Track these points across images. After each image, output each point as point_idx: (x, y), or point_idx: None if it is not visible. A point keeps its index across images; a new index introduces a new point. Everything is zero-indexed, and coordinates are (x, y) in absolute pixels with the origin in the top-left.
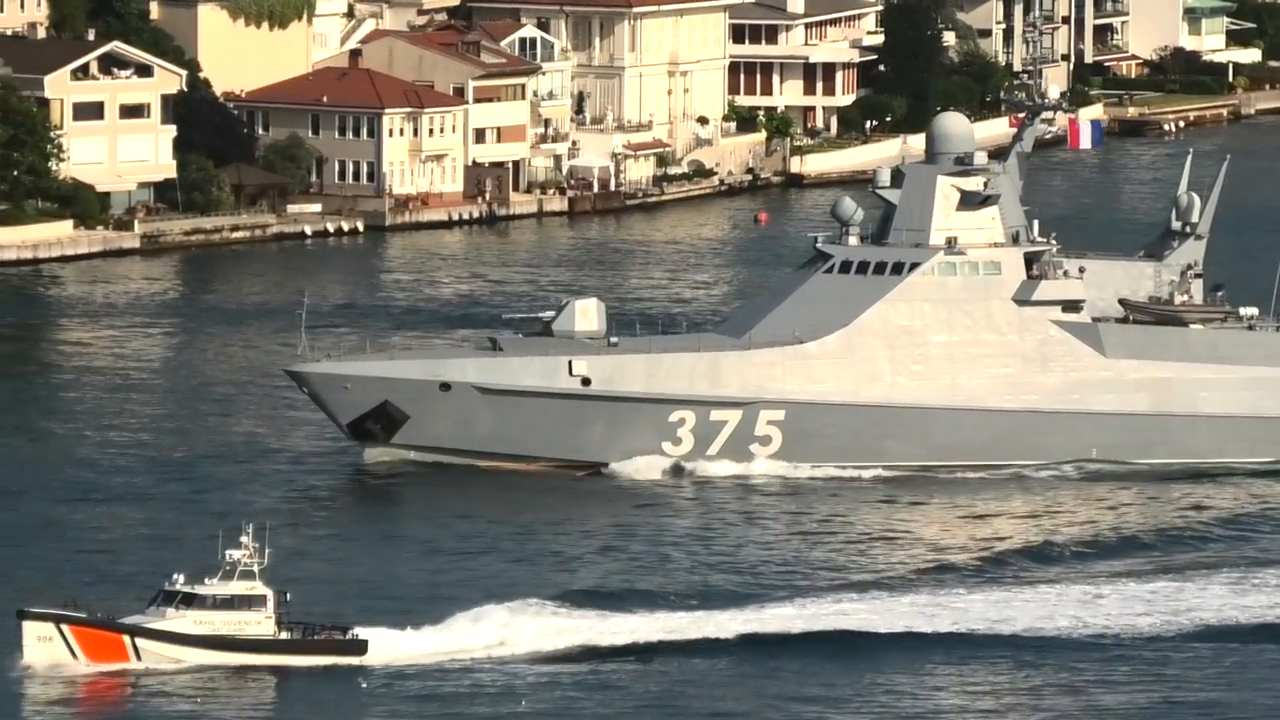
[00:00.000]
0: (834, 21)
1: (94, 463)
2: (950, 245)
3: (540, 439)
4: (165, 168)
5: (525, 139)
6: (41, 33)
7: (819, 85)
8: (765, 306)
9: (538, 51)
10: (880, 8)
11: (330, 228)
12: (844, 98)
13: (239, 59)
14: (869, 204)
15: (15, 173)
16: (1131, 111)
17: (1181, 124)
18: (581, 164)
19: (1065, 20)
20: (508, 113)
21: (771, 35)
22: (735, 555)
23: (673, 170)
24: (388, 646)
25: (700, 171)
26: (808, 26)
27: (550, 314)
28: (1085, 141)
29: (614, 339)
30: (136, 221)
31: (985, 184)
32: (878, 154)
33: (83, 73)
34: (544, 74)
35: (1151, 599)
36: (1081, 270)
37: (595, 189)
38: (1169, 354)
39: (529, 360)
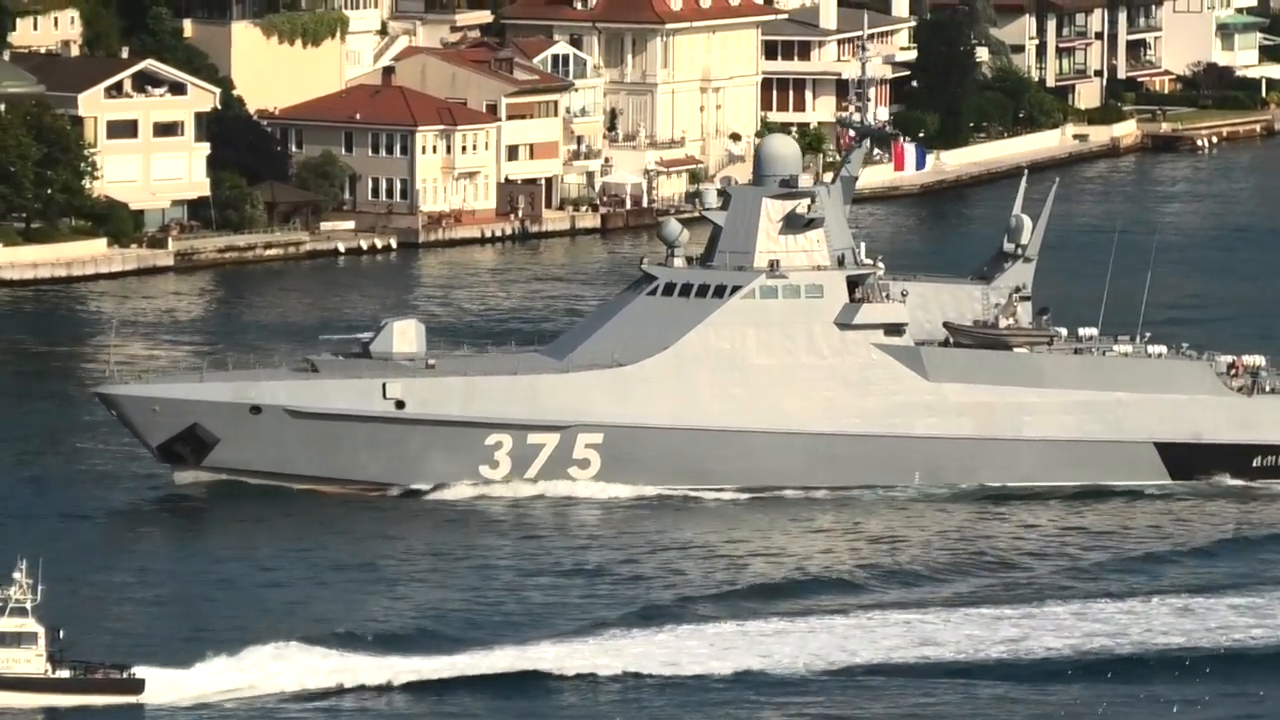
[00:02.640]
0: (867, 37)
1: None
2: (773, 268)
3: (353, 463)
4: (199, 185)
5: (558, 156)
6: (75, 51)
7: (852, 101)
8: (589, 328)
9: (570, 68)
10: (914, 24)
11: (363, 245)
12: (877, 113)
13: (272, 76)
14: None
15: (49, 191)
16: (1165, 127)
17: (1215, 139)
18: (614, 180)
19: (1098, 36)
20: (540, 129)
21: (804, 51)
22: (524, 589)
23: (705, 186)
24: (166, 685)
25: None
26: (840, 42)
27: (369, 335)
28: (910, 165)
29: (431, 361)
30: (170, 239)
31: (809, 207)
32: (910, 169)
33: (116, 91)
34: (576, 91)
35: (951, 625)
36: (904, 293)
37: (628, 205)
38: (992, 377)
39: (342, 383)
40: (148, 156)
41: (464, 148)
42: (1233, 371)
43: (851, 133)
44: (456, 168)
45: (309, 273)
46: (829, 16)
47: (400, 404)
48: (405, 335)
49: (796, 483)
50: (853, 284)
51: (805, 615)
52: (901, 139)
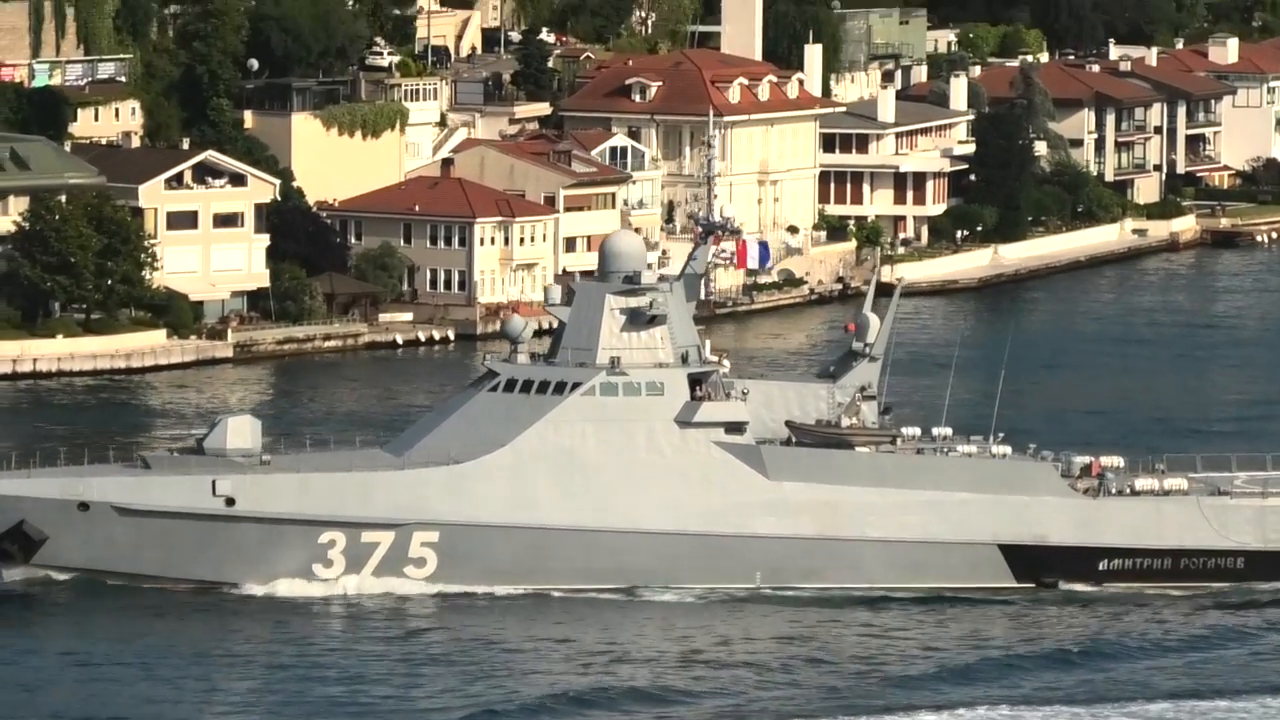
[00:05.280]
0: (925, 131)
1: None
2: (614, 365)
3: (183, 561)
4: (258, 276)
5: None
6: (136, 142)
7: (909, 194)
8: (429, 425)
9: (628, 160)
10: (971, 117)
11: (422, 336)
12: (935, 207)
13: (332, 168)
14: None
15: (109, 282)
16: (1224, 222)
17: (1274, 235)
18: (671, 273)
19: (1158, 130)
20: (598, 221)
21: (862, 144)
22: (358, 689)
23: (763, 279)
24: None
25: (790, 280)
26: (898, 136)
27: (202, 431)
28: (753, 262)
29: (266, 457)
30: (229, 330)
31: (651, 304)
32: (969, 263)
33: (177, 182)
34: (634, 183)
35: None
36: (745, 392)
37: None
38: (833, 477)
39: (171, 479)
40: (207, 247)
41: (522, 239)
42: (1078, 474)
43: (699, 228)
44: (515, 259)
45: (367, 364)
46: (887, 110)
47: (230, 501)
48: (240, 431)
49: (636, 582)
50: (695, 382)
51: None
52: (743, 236)
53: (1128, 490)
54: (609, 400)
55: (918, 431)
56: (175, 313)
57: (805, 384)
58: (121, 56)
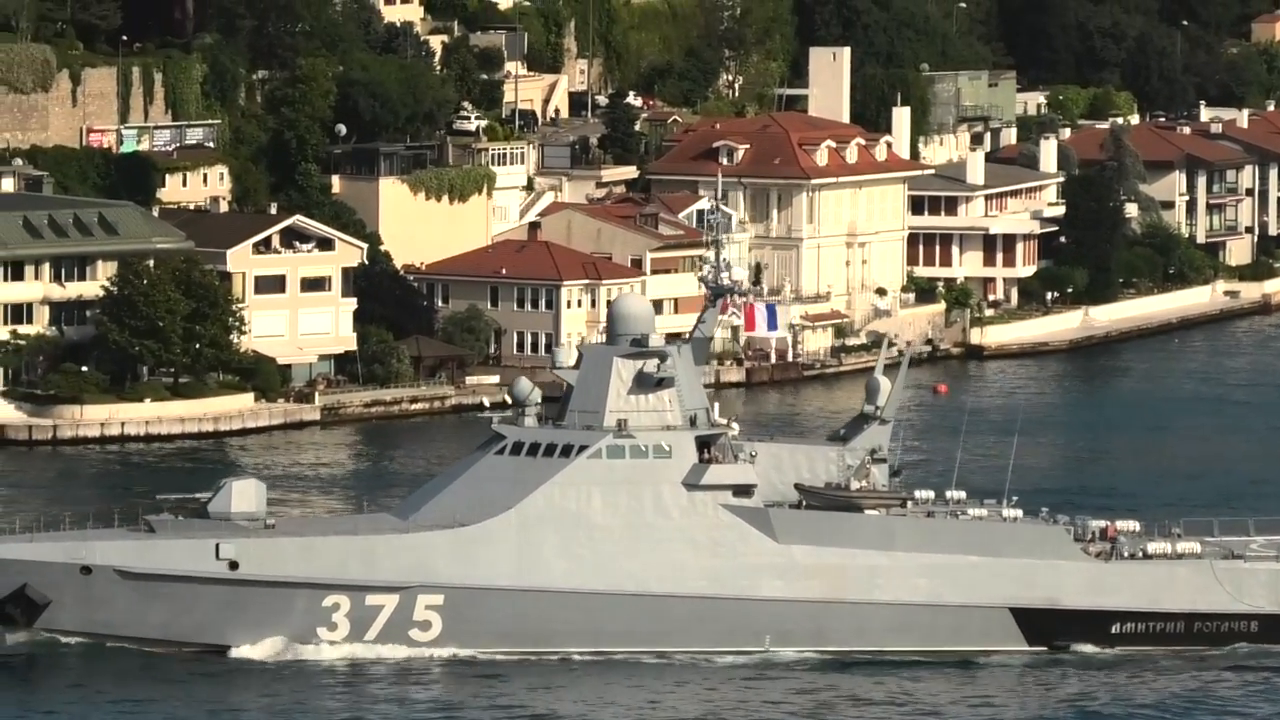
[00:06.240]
0: (1014, 193)
1: None
2: (620, 427)
3: (187, 625)
4: (345, 340)
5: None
6: (224, 206)
7: (999, 256)
8: (435, 489)
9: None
10: (1061, 179)
11: (509, 399)
12: (1024, 269)
13: (419, 232)
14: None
15: (197, 345)
16: None
17: None
18: (759, 335)
19: (1249, 192)
20: (685, 284)
21: (951, 207)
22: None
23: (851, 341)
24: None
25: (878, 342)
26: (988, 198)
27: (207, 495)
28: (761, 326)
29: (271, 521)
30: (317, 394)
31: (658, 366)
32: (1059, 325)
33: (264, 246)
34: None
35: None
36: (753, 455)
37: (773, 360)
38: (842, 540)
39: (174, 543)
40: (295, 311)
41: (609, 302)
42: (1090, 537)
43: (706, 291)
44: (601, 322)
45: (454, 427)
46: (976, 172)
47: (234, 565)
48: (244, 495)
49: (643, 646)
50: (703, 444)
51: None
52: (750, 299)
53: (1140, 554)
54: (616, 463)
55: (931, 495)
56: (263, 376)
57: (815, 446)
58: (210, 122)
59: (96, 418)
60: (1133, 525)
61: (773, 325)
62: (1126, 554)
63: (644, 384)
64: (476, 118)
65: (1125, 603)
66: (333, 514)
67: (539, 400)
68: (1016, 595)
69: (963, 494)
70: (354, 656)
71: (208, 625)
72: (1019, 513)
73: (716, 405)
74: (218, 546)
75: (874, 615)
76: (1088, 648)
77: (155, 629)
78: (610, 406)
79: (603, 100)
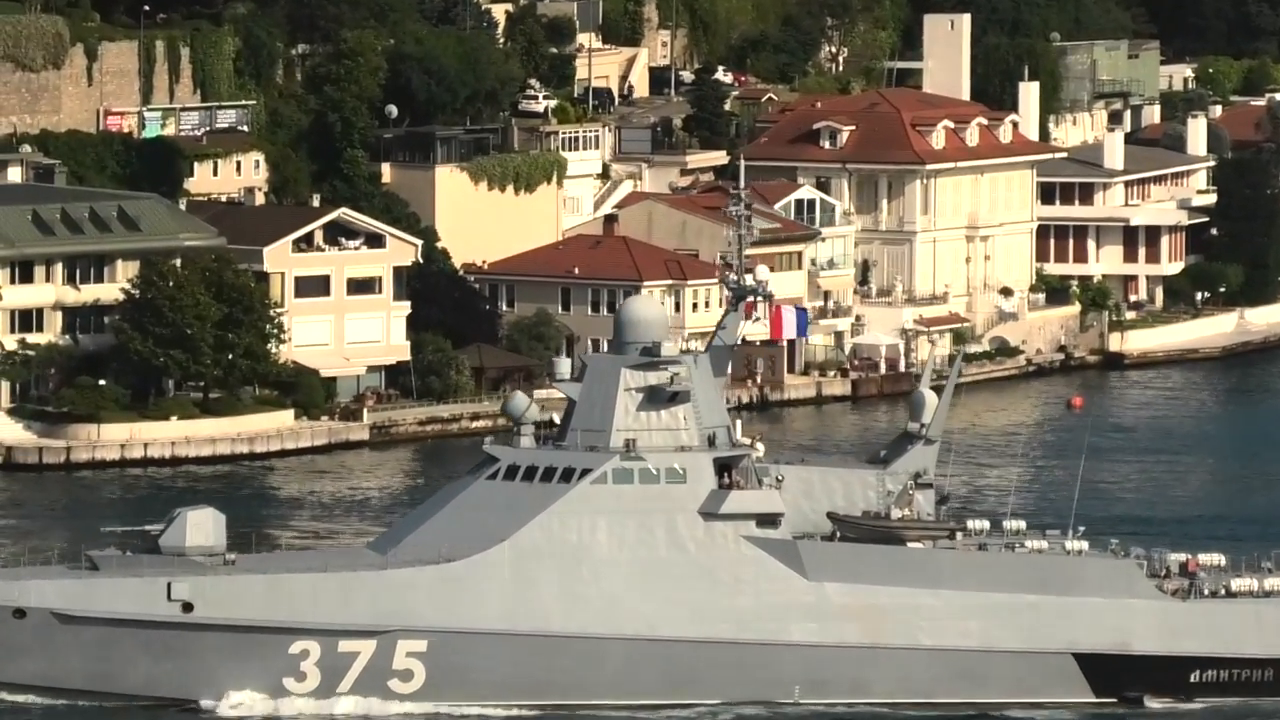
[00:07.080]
0: (1159, 179)
1: None
2: (628, 448)
3: (133, 674)
4: (398, 349)
5: None
6: (260, 199)
7: (1141, 251)
8: (419, 519)
9: (816, 215)
10: (1212, 163)
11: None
12: (1170, 265)
13: (480, 227)
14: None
15: (230, 356)
16: None
17: None
18: (866, 342)
19: None
20: (782, 284)
21: (1086, 195)
22: None
23: (972, 349)
24: None
25: (1004, 350)
26: (1128, 185)
27: (157, 528)
28: (790, 331)
29: (231, 556)
30: (365, 410)
31: (672, 379)
32: (1210, 329)
33: (306, 243)
34: (823, 240)
35: None
36: (779, 479)
37: (882, 370)
38: (882, 577)
39: (120, 582)
40: (341, 317)
41: (695, 305)
42: (1165, 572)
43: (728, 293)
44: (687, 327)
45: None
46: (1115, 155)
47: (188, 606)
48: (200, 527)
49: (654, 699)
50: (723, 467)
51: None
52: (774, 301)
53: (1222, 591)
54: (623, 489)
55: (985, 525)
56: (304, 390)
57: (850, 470)
58: (243, 103)
59: (116, 438)
60: (1218, 559)
61: (802, 330)
62: (1207, 591)
63: (656, 399)
64: (545, 97)
65: (1204, 648)
66: (304, 549)
67: (537, 417)
68: (1081, 639)
69: (1022, 524)
70: (324, 712)
71: (159, 676)
72: (1085, 545)
73: (739, 423)
74: (169, 586)
75: (918, 663)
76: (1163, 700)
77: (98, 680)
78: (617, 424)
79: (688, 76)
